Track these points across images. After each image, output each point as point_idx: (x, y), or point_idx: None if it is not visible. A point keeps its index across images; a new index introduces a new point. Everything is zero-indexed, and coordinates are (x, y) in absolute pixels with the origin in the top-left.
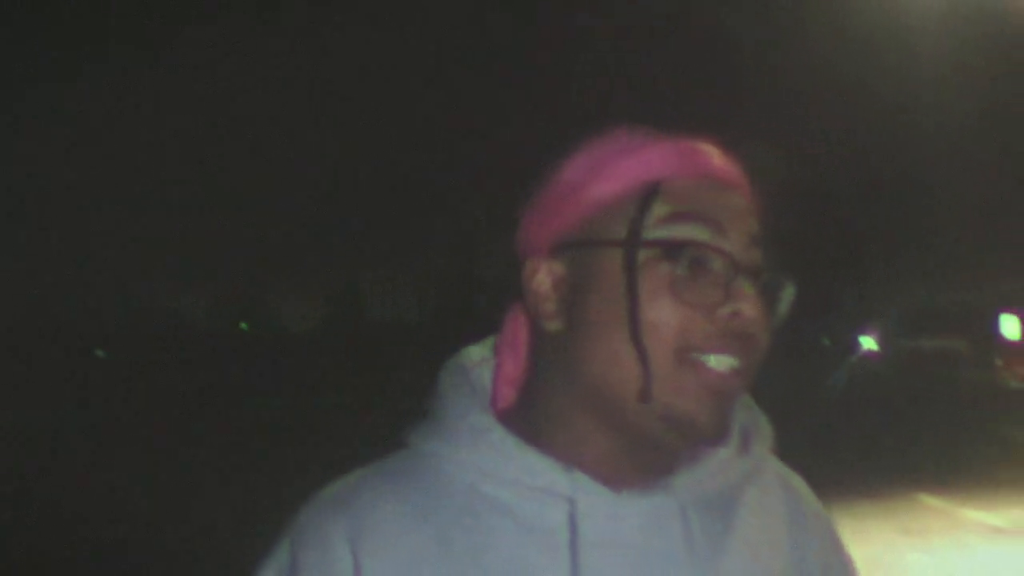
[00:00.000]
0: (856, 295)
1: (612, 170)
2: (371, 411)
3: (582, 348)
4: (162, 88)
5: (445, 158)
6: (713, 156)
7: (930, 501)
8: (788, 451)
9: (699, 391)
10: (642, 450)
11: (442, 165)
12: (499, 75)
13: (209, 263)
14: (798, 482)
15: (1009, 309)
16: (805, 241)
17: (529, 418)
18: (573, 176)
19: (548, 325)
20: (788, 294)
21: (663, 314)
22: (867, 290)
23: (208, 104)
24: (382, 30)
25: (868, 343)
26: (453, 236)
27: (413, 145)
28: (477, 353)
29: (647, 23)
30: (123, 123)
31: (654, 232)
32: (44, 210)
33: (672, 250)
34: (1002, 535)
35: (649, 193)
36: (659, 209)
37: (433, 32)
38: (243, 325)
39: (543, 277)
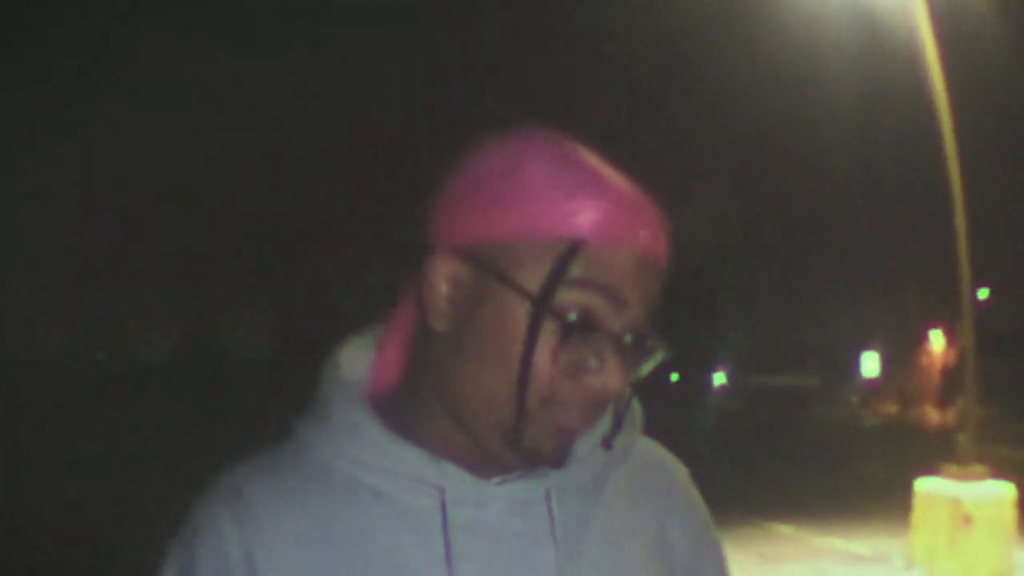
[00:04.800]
0: (709, 332)
1: (545, 208)
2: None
3: (461, 363)
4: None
5: (301, 183)
6: (644, 226)
7: (785, 530)
8: None
9: (552, 431)
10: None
11: (298, 194)
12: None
13: (66, 292)
14: (672, 464)
15: (869, 347)
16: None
17: (403, 408)
18: (503, 186)
19: (436, 323)
20: (656, 359)
21: (541, 368)
22: (720, 327)
23: (58, 128)
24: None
25: (719, 379)
26: (309, 269)
27: (269, 174)
28: (356, 344)
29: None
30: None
31: (562, 293)
32: None
33: (577, 320)
34: (862, 561)
35: (569, 254)
36: (575, 270)
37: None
38: (99, 355)
39: (444, 276)
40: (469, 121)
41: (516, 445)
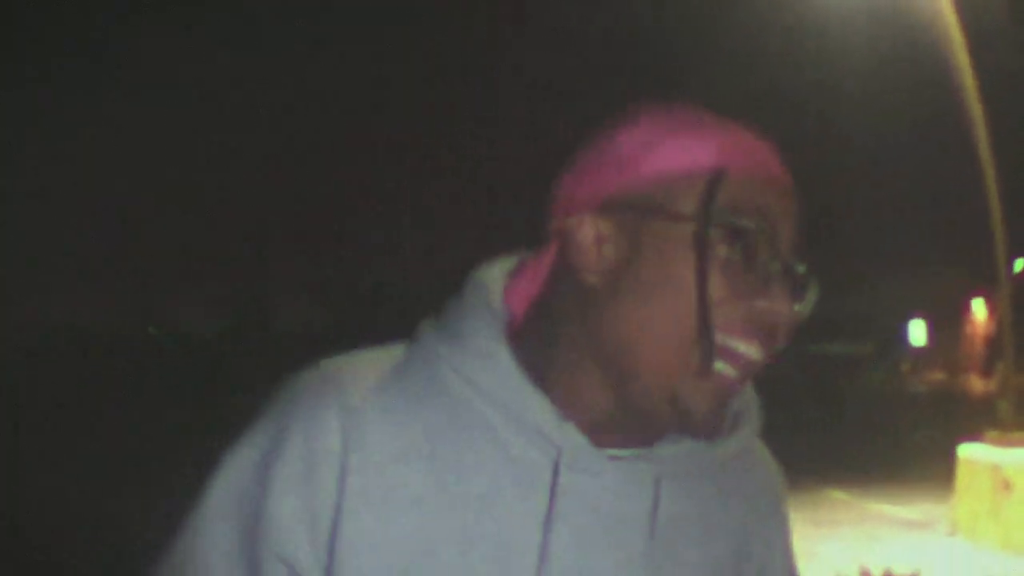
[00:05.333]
0: None
1: (679, 145)
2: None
3: (622, 308)
4: (58, 89)
5: (350, 164)
6: (772, 157)
7: (839, 496)
8: None
9: (711, 385)
10: (635, 419)
11: (348, 172)
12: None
13: (115, 267)
14: (771, 468)
15: (917, 314)
16: None
17: (535, 355)
18: (631, 141)
19: (587, 277)
20: (813, 296)
21: (709, 283)
22: None
23: (107, 107)
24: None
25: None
26: (358, 244)
27: (319, 152)
28: (501, 269)
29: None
30: (17, 126)
31: (717, 217)
32: None
33: (733, 235)
34: (913, 527)
35: (717, 177)
36: (724, 196)
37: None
38: (151, 329)
39: (589, 231)
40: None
41: (672, 397)
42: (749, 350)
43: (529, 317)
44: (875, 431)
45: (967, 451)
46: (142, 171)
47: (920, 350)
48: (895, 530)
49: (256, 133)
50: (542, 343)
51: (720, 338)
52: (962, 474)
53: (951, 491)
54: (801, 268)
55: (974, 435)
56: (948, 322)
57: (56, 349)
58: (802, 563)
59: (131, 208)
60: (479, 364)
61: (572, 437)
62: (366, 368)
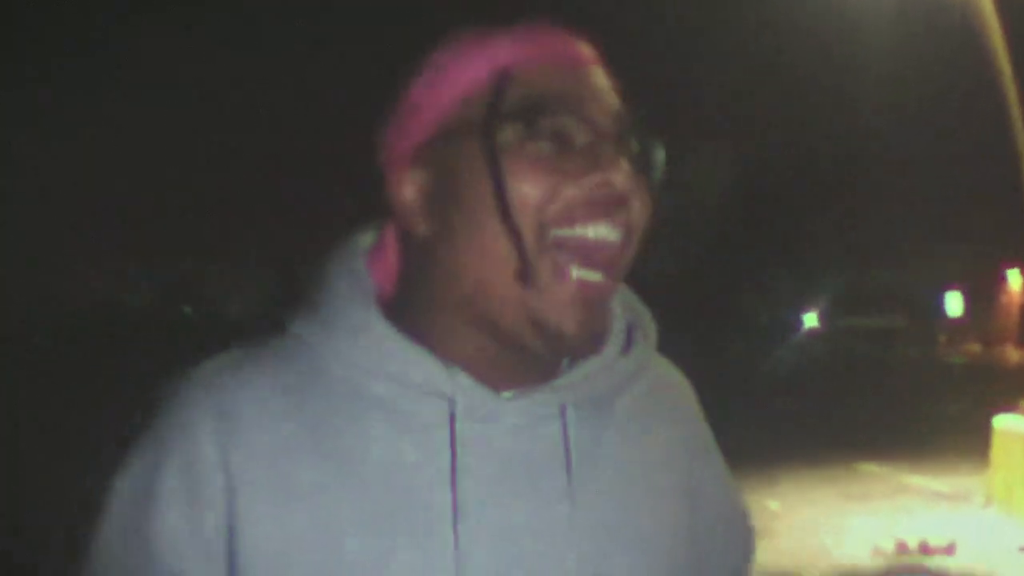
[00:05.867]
0: (795, 274)
1: (459, 66)
2: None
3: (453, 246)
4: (99, 73)
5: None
6: (562, 38)
7: (871, 468)
8: (738, 424)
9: (569, 295)
10: (517, 354)
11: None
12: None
13: (147, 247)
14: (680, 380)
15: (953, 286)
16: (743, 220)
17: (407, 314)
18: (422, 82)
19: (417, 230)
20: (659, 157)
21: (528, 189)
22: (807, 268)
23: (146, 89)
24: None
25: (811, 321)
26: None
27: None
28: (365, 241)
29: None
30: (52, 113)
31: (511, 116)
32: None
33: (532, 124)
34: (947, 499)
35: (501, 79)
36: (513, 93)
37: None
38: (186, 310)
39: (407, 186)
40: None
41: (535, 318)
42: (599, 232)
43: (396, 286)
44: (909, 403)
45: (1002, 422)
46: (179, 152)
47: (956, 321)
48: (929, 502)
49: (288, 119)
50: (412, 310)
51: (562, 233)
52: (997, 445)
53: (986, 463)
54: (633, 136)
55: (1009, 406)
56: (984, 293)
57: (91, 326)
58: (836, 537)
59: (167, 189)
60: (354, 340)
61: (462, 383)
62: (239, 368)
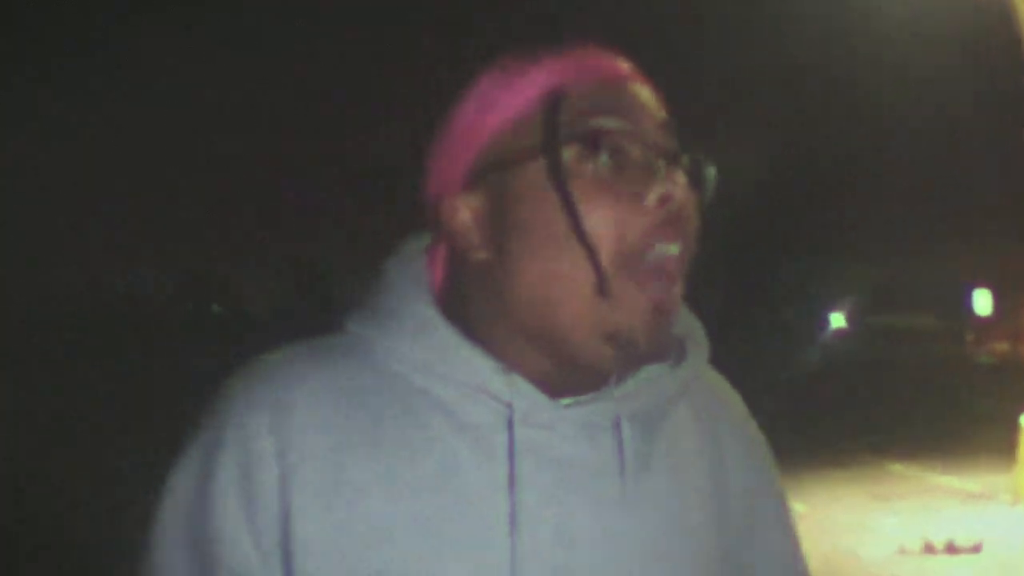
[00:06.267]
0: (822, 273)
1: (509, 90)
2: None
3: (515, 271)
4: (119, 72)
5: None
6: (606, 57)
7: (898, 468)
8: (763, 424)
9: (644, 307)
10: (577, 371)
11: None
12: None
13: (173, 245)
14: (731, 393)
15: (982, 284)
16: (770, 221)
17: (460, 326)
18: (473, 106)
19: (475, 256)
20: (711, 174)
21: (599, 213)
22: (833, 267)
23: (167, 85)
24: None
25: (838, 321)
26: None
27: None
28: (418, 247)
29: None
30: (78, 108)
31: (566, 135)
32: None
33: (590, 143)
34: (973, 498)
35: (554, 100)
36: (566, 114)
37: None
38: (215, 308)
39: (462, 212)
40: None
41: (609, 332)
42: (664, 248)
43: (447, 296)
44: (937, 403)
45: None
46: (179, 152)
47: (984, 320)
48: (956, 502)
49: (289, 119)
50: (467, 319)
51: (640, 253)
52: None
53: (1013, 461)
54: (685, 150)
55: None
56: (1013, 292)
57: (119, 323)
58: (864, 536)
59: (199, 188)
60: (414, 335)
61: (521, 389)
62: (297, 363)
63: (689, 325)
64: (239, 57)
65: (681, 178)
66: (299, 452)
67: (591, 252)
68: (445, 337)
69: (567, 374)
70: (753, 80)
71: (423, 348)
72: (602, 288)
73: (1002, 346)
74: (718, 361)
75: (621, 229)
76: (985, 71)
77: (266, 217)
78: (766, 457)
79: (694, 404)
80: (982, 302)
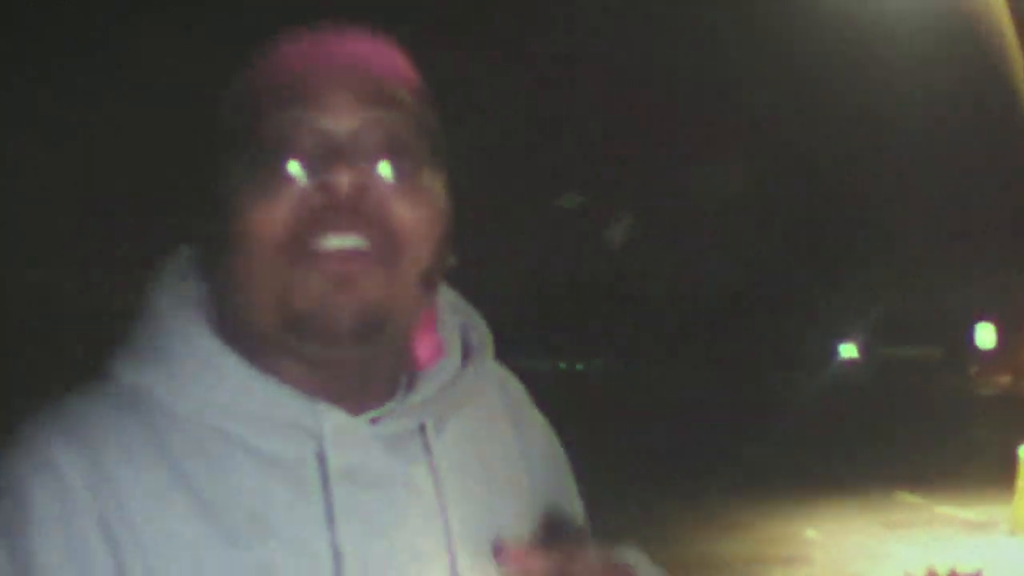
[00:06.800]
0: (832, 305)
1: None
2: None
3: (220, 281)
4: (119, 72)
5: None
6: (315, 41)
7: (908, 498)
8: (775, 452)
9: (321, 285)
10: (326, 370)
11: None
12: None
13: (173, 245)
14: (513, 382)
15: (985, 317)
16: (780, 252)
17: (240, 342)
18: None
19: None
20: (443, 158)
21: (251, 213)
22: (843, 300)
23: (167, 86)
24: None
25: (848, 351)
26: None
27: None
28: (181, 267)
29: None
30: (77, 108)
31: (231, 142)
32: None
33: (239, 148)
34: (976, 528)
35: (227, 113)
36: (237, 118)
37: None
38: None
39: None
40: None
41: (290, 321)
42: (342, 242)
43: (219, 311)
44: (944, 434)
45: None
46: (178, 152)
47: (988, 353)
48: (960, 531)
49: None
50: (239, 340)
51: (308, 247)
52: (1022, 475)
53: (1012, 492)
54: (396, 133)
55: None
56: (1016, 325)
57: (118, 324)
58: (875, 564)
59: (167, 189)
60: (200, 374)
61: (326, 414)
62: (88, 413)
63: (469, 320)
64: (239, 57)
65: (361, 168)
66: (111, 495)
67: (235, 259)
68: (235, 372)
69: (326, 376)
70: (772, 112)
71: (211, 387)
72: (247, 295)
73: (1004, 379)
74: (732, 391)
75: (278, 224)
76: (993, 109)
77: None
78: (554, 438)
79: (488, 399)
80: (985, 335)
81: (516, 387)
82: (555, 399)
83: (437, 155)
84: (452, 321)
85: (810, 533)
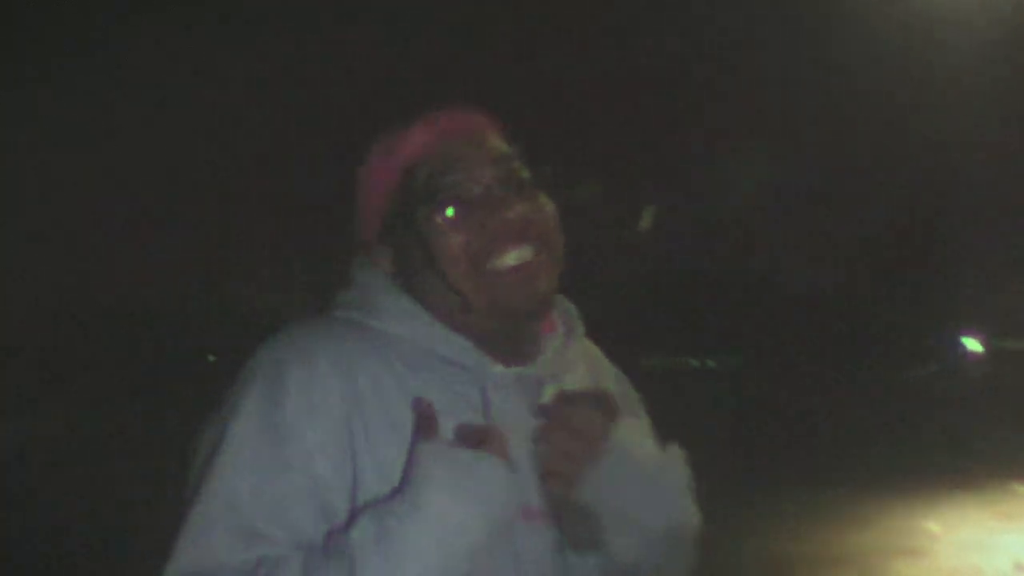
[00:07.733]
0: (952, 296)
1: (385, 166)
2: None
3: (418, 289)
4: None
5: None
6: (456, 118)
7: (1021, 489)
8: (901, 447)
9: (506, 282)
10: (492, 339)
11: None
12: None
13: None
14: (603, 356)
15: None
16: (898, 245)
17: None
18: (368, 178)
19: (398, 280)
20: (546, 176)
21: (447, 246)
22: (963, 290)
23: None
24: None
25: (972, 344)
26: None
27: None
28: (362, 263)
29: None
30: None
31: (424, 199)
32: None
33: (430, 201)
34: None
35: (407, 178)
36: (420, 181)
37: None
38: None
39: (382, 260)
40: None
41: (490, 310)
42: (516, 256)
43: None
44: None
45: None
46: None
47: None
48: None
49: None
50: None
51: (489, 264)
52: None
53: None
54: (520, 171)
55: None
56: None
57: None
58: (984, 554)
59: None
60: (400, 321)
61: (487, 364)
62: (325, 326)
63: (568, 309)
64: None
65: (515, 197)
66: (356, 394)
67: (442, 276)
68: (426, 323)
69: (500, 343)
70: (881, 103)
71: (408, 331)
72: (464, 302)
73: None
74: (853, 384)
75: (467, 250)
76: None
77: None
78: (633, 392)
79: (585, 369)
80: None
81: (605, 360)
82: (683, 396)
83: (540, 179)
84: (561, 305)
85: (932, 527)
